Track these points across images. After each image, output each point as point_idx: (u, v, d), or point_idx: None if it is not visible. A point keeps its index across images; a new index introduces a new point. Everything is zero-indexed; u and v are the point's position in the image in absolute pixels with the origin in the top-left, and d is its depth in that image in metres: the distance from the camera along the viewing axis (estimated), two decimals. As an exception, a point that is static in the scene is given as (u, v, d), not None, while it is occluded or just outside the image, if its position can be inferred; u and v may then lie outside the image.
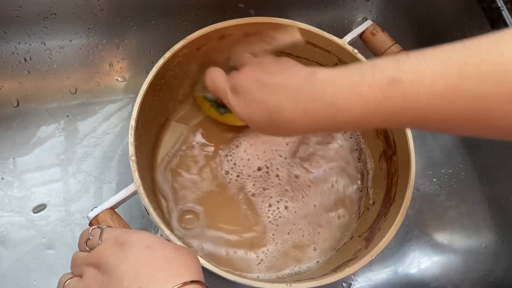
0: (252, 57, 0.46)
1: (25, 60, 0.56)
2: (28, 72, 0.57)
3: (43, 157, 0.56)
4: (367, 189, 0.54)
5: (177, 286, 0.28)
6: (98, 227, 0.34)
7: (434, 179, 0.62)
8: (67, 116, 0.59)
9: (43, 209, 0.54)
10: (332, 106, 0.33)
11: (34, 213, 0.54)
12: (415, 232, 0.59)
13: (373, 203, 0.52)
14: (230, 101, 0.40)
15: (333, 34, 0.51)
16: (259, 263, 0.49)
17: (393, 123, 0.32)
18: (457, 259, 0.58)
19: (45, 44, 0.56)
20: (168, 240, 0.38)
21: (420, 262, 0.58)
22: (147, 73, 0.61)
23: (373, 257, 0.41)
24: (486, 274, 0.56)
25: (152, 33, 0.59)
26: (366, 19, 0.65)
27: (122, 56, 0.60)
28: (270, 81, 0.37)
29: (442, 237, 0.59)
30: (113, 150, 0.58)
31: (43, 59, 0.57)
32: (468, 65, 0.28)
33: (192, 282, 0.29)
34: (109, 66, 0.60)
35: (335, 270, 0.42)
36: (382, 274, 0.57)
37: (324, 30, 0.51)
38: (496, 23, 0.52)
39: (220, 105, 0.51)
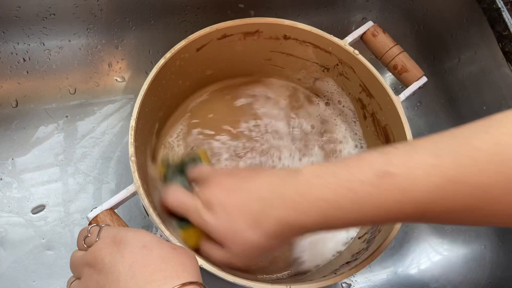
0: (213, 168, 0.44)
1: (24, 60, 0.56)
2: (27, 72, 0.57)
3: (42, 158, 0.56)
4: None
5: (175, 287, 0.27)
6: (97, 225, 0.34)
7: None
8: (66, 116, 0.59)
9: (42, 209, 0.54)
10: (320, 201, 0.31)
11: (33, 213, 0.54)
12: (415, 233, 0.59)
13: None
14: (206, 218, 0.36)
15: (333, 34, 0.51)
16: (259, 264, 0.49)
17: (390, 218, 0.31)
18: (456, 260, 0.58)
19: (44, 44, 0.56)
20: (168, 241, 0.38)
21: (420, 262, 0.58)
22: (147, 73, 0.61)
23: (374, 259, 0.41)
24: (486, 275, 0.56)
25: (151, 34, 0.59)
26: (366, 19, 0.65)
27: (121, 57, 0.60)
28: (249, 185, 0.35)
29: (441, 238, 0.59)
30: (112, 151, 0.58)
31: (42, 59, 0.57)
32: (463, 155, 0.27)
33: (190, 283, 0.28)
34: (108, 66, 0.60)
35: (334, 272, 0.42)
36: (381, 274, 0.57)
37: (323, 31, 0.51)
38: (496, 23, 0.52)
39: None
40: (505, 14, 0.51)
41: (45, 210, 0.54)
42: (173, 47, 0.48)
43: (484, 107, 0.57)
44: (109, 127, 0.59)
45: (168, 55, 0.48)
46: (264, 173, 0.37)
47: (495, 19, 0.52)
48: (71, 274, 0.34)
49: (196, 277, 0.29)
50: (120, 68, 0.60)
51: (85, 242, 0.33)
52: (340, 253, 0.50)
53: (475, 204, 0.27)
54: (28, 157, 0.56)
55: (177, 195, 0.40)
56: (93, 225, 0.34)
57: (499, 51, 0.52)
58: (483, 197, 0.27)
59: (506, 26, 0.51)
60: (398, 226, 0.43)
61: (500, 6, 0.51)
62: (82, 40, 0.57)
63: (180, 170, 0.46)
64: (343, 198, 0.30)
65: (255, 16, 0.61)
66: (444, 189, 0.27)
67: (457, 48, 0.59)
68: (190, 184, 0.45)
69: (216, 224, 0.36)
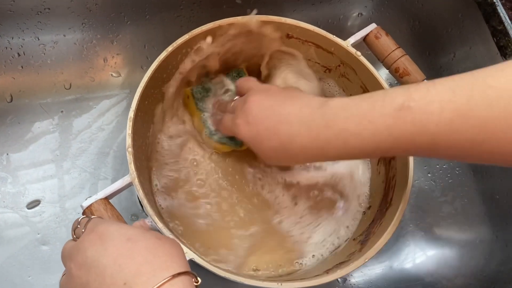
0: (258, 83, 0.46)
1: (19, 55, 0.56)
2: (22, 67, 0.56)
3: (37, 153, 0.56)
4: (364, 193, 0.54)
5: (164, 281, 0.27)
6: (87, 216, 0.33)
7: (429, 174, 0.62)
8: (62, 111, 0.58)
9: (37, 205, 0.54)
10: (344, 131, 0.34)
11: (28, 209, 0.54)
12: (410, 227, 0.59)
13: (370, 206, 0.52)
14: (237, 122, 0.40)
15: (329, 30, 0.51)
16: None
17: (404, 150, 0.32)
18: (451, 254, 0.58)
19: (39, 39, 0.56)
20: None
21: (415, 257, 0.58)
22: (142, 68, 0.61)
23: (366, 260, 0.41)
24: (480, 268, 0.57)
25: (147, 28, 0.59)
26: (362, 14, 0.65)
27: (116, 51, 0.60)
28: (283, 110, 0.38)
29: (437, 232, 0.60)
30: (108, 146, 0.58)
31: (36, 54, 0.56)
32: (475, 91, 0.28)
33: (180, 274, 0.28)
34: (104, 61, 0.60)
35: (327, 271, 0.42)
36: (377, 269, 0.57)
37: (319, 26, 0.51)
38: (490, 18, 0.52)
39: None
40: (500, 9, 0.51)
41: (40, 205, 0.54)
42: (175, 41, 0.48)
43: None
44: (105, 122, 0.59)
45: (170, 48, 0.47)
46: (298, 100, 0.38)
47: (490, 14, 0.52)
48: (67, 269, 0.34)
49: (184, 266, 0.29)
50: (115, 63, 0.60)
51: (74, 233, 0.32)
52: (334, 253, 0.50)
53: (482, 138, 0.29)
54: (23, 152, 0.56)
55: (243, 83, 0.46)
56: (83, 216, 0.33)
57: (494, 46, 0.52)
58: (490, 131, 0.28)
59: (500, 21, 0.51)
60: (392, 229, 0.42)
61: (494, 0, 0.51)
62: (77, 35, 0.57)
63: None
64: (364, 129, 0.33)
65: (251, 12, 0.61)
66: (455, 123, 0.29)
67: (453, 43, 0.59)
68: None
69: (244, 131, 0.40)
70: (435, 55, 0.62)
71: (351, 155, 0.35)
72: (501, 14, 0.51)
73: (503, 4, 0.51)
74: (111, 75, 0.61)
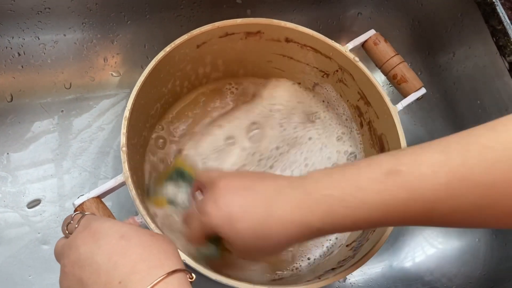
0: (221, 171, 0.43)
1: (19, 54, 0.56)
2: (22, 66, 0.56)
3: (37, 152, 0.56)
4: None
5: (159, 279, 0.26)
6: (80, 212, 0.33)
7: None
8: (62, 111, 0.58)
9: (38, 204, 0.54)
10: (328, 197, 0.31)
11: (29, 208, 0.54)
12: (410, 226, 0.59)
13: None
14: (208, 210, 0.35)
15: (328, 30, 0.52)
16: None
17: (399, 218, 0.30)
18: (451, 253, 0.59)
19: (39, 39, 0.56)
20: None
21: (415, 256, 0.58)
22: (142, 68, 0.60)
23: (358, 267, 0.41)
24: (480, 267, 0.57)
25: (147, 28, 0.59)
26: (361, 14, 0.66)
27: (116, 51, 0.60)
28: (258, 186, 0.35)
29: (436, 231, 0.60)
30: (108, 145, 0.58)
31: (37, 53, 0.56)
32: (470, 152, 0.27)
33: (175, 271, 0.28)
34: (104, 61, 0.60)
35: (318, 277, 0.42)
36: (377, 268, 0.57)
37: (319, 25, 0.51)
38: (490, 18, 0.52)
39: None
40: (499, 8, 0.51)
41: (40, 204, 0.54)
42: (173, 42, 0.48)
43: (479, 101, 0.57)
44: (105, 122, 0.59)
45: (167, 48, 0.47)
46: (271, 176, 0.37)
47: (489, 14, 0.52)
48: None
49: (179, 264, 0.29)
50: (115, 62, 0.60)
51: (67, 228, 0.32)
52: (327, 259, 0.50)
53: (485, 202, 0.27)
54: (23, 152, 0.56)
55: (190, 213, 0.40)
56: (76, 212, 0.33)
57: (493, 46, 0.52)
58: (492, 195, 0.27)
59: (500, 20, 0.51)
60: (386, 234, 0.42)
61: (494, 0, 0.52)
62: (78, 34, 0.57)
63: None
64: (350, 195, 0.30)
65: (251, 11, 0.62)
66: (451, 187, 0.27)
67: (452, 43, 0.59)
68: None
69: (215, 216, 0.35)
70: (435, 55, 0.63)
71: (338, 226, 0.32)
72: (501, 14, 0.51)
73: (502, 4, 0.51)
74: (111, 74, 0.61)
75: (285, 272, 0.50)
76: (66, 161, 0.56)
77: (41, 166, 0.56)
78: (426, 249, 0.59)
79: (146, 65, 0.60)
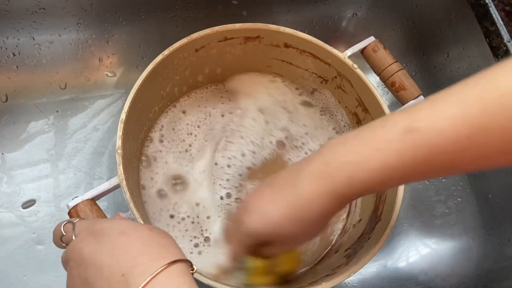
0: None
1: (14, 54, 0.56)
2: (17, 67, 0.56)
3: (32, 153, 0.56)
4: (355, 206, 0.54)
5: (161, 269, 0.27)
6: (69, 221, 0.33)
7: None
8: (57, 111, 0.58)
9: (33, 204, 0.54)
10: (348, 164, 0.31)
11: (24, 208, 0.54)
12: (404, 227, 0.60)
13: (360, 220, 0.52)
14: (244, 218, 0.36)
15: (324, 31, 0.52)
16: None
17: (420, 174, 0.30)
18: (445, 253, 0.59)
19: (34, 39, 0.56)
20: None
21: (409, 256, 0.59)
22: (138, 68, 0.61)
23: (351, 274, 0.41)
24: (474, 267, 0.57)
25: (142, 28, 0.59)
26: (356, 15, 0.66)
27: (112, 51, 0.60)
28: (276, 180, 0.36)
29: (430, 232, 0.60)
30: (104, 146, 0.58)
31: (32, 54, 0.56)
32: (488, 100, 0.26)
33: (175, 261, 0.28)
34: (99, 61, 0.60)
35: (311, 283, 0.42)
36: (371, 267, 0.57)
37: (314, 26, 0.52)
38: (483, 19, 0.52)
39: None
40: (492, 10, 0.51)
41: (35, 204, 0.54)
42: (172, 45, 0.47)
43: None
44: (101, 122, 0.59)
45: (166, 52, 0.47)
46: (290, 166, 0.37)
47: (483, 15, 0.52)
48: (62, 268, 0.34)
49: (179, 255, 0.29)
50: (111, 63, 0.60)
51: (62, 241, 0.32)
52: (321, 265, 0.50)
53: (509, 146, 0.27)
54: (18, 152, 0.56)
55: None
56: (65, 222, 0.33)
57: (487, 47, 0.53)
58: None
59: (493, 22, 0.51)
60: (380, 244, 0.42)
61: (487, 1, 0.52)
62: (73, 35, 0.57)
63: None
64: (371, 158, 0.30)
65: (247, 13, 0.62)
66: (474, 137, 0.27)
67: (446, 43, 0.60)
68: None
69: (251, 220, 0.36)
70: (429, 55, 0.63)
71: (362, 190, 0.32)
72: (494, 15, 0.51)
73: (495, 5, 0.52)
74: (107, 75, 0.61)
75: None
76: (61, 162, 0.56)
77: (36, 166, 0.56)
78: (420, 249, 0.59)
79: (142, 65, 0.61)
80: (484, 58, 0.54)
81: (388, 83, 0.52)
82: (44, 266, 0.51)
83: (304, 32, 0.51)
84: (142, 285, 0.26)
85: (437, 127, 0.27)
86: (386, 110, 0.48)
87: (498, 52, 0.51)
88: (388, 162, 0.29)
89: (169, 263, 0.28)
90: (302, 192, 0.33)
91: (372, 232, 0.46)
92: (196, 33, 0.48)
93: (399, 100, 0.52)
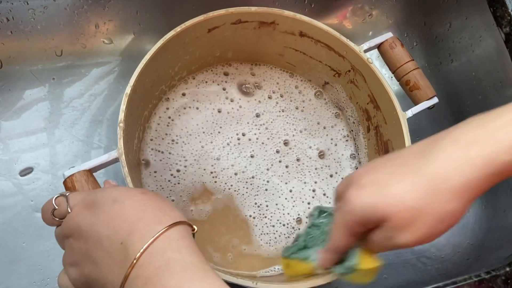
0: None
1: (8, 20, 0.54)
2: (11, 32, 0.55)
3: (29, 121, 0.56)
4: None
5: (159, 234, 0.27)
6: (61, 195, 0.32)
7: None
8: (53, 78, 0.57)
9: (30, 172, 0.54)
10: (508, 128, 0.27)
11: (21, 176, 0.53)
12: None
13: None
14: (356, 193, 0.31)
15: (319, 6, 0.50)
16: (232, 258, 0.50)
17: None
18: (440, 223, 0.59)
19: (27, 3, 0.54)
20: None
21: (405, 226, 0.59)
22: (135, 35, 0.60)
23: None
24: (468, 237, 0.58)
25: (139, -6, 0.58)
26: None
27: (108, 18, 0.58)
28: (397, 154, 0.31)
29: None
30: (101, 114, 0.57)
31: (26, 19, 0.55)
32: None
33: (174, 224, 0.28)
34: (95, 27, 0.58)
35: (306, 276, 0.41)
36: (367, 237, 0.58)
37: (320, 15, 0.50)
38: (493, 2, 0.51)
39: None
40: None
41: (33, 172, 0.54)
42: (184, 23, 0.46)
43: (474, 73, 0.57)
44: (98, 90, 0.58)
45: (178, 29, 0.46)
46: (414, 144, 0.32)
47: (492, -5, 0.51)
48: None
49: (178, 217, 0.29)
50: (107, 29, 0.59)
51: (54, 215, 0.32)
52: None
53: None
54: (15, 120, 0.55)
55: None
56: (56, 196, 0.32)
57: (490, 16, 0.52)
58: None
59: (504, 5, 0.50)
60: None
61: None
62: (68, -1, 0.56)
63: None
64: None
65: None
66: None
67: (449, 13, 0.59)
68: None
69: (362, 195, 0.30)
70: (431, 26, 0.62)
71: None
72: (503, -6, 0.50)
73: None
74: (103, 41, 0.59)
75: (273, 269, 0.50)
76: (58, 130, 0.56)
77: (34, 135, 0.55)
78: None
79: (139, 33, 0.59)
80: (487, 28, 0.53)
81: (403, 81, 0.51)
82: (43, 233, 0.51)
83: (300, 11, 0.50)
84: (140, 252, 0.26)
85: None
86: (398, 108, 0.47)
87: (502, 22, 0.51)
88: None
89: (167, 226, 0.27)
90: (441, 160, 0.28)
91: None
92: (211, 12, 0.47)
93: (412, 99, 0.51)
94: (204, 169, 0.52)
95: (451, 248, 0.57)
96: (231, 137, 0.54)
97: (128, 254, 0.27)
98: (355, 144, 0.57)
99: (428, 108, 0.50)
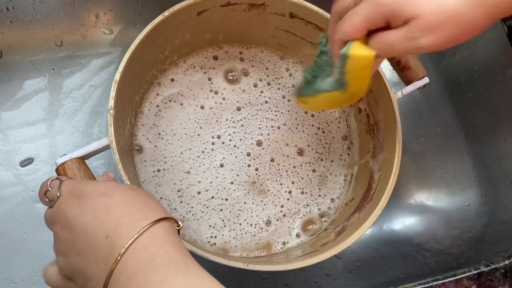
0: None
1: (8, 9, 0.54)
2: (11, 22, 0.55)
3: (29, 111, 0.55)
4: (350, 184, 0.54)
5: (144, 229, 0.27)
6: (57, 178, 0.33)
7: (422, 139, 0.63)
8: (53, 69, 0.57)
9: (31, 163, 0.54)
10: None
11: (22, 166, 0.53)
12: (401, 190, 0.60)
13: (352, 199, 0.52)
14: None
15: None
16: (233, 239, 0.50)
17: None
18: (440, 216, 0.60)
19: (28, -7, 0.54)
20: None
21: (405, 218, 0.59)
22: (135, 25, 0.59)
23: (338, 250, 0.41)
24: (467, 230, 0.58)
25: (140, -16, 0.57)
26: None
27: (109, 8, 0.58)
28: None
29: (427, 195, 0.61)
30: (101, 105, 0.57)
31: (26, 8, 0.55)
32: None
33: (159, 220, 0.28)
34: (96, 17, 0.58)
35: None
36: (367, 230, 0.58)
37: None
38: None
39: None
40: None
41: (33, 163, 0.54)
42: (173, 6, 0.46)
43: (475, 66, 0.57)
44: (98, 81, 0.58)
45: (166, 13, 0.45)
46: None
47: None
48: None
49: (163, 213, 0.29)
50: (107, 20, 0.59)
51: (46, 196, 0.32)
52: (311, 241, 0.51)
53: None
54: (15, 110, 0.55)
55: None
56: (53, 178, 0.33)
57: None
58: None
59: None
60: (368, 224, 0.42)
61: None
62: (68, -11, 0.55)
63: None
64: None
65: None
66: None
67: None
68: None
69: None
70: None
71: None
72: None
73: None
74: (103, 32, 0.59)
75: (267, 251, 0.50)
76: (58, 120, 0.56)
77: (34, 125, 0.55)
78: (416, 212, 0.60)
79: (139, 23, 0.59)
80: None
81: (394, 61, 0.50)
82: (43, 223, 0.50)
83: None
84: (125, 247, 0.26)
85: None
86: (390, 90, 0.47)
87: (505, 15, 0.50)
88: None
89: (152, 222, 0.28)
90: None
91: (362, 210, 0.46)
92: None
93: (402, 79, 0.51)
94: (174, 184, 0.50)
95: (451, 241, 0.57)
96: (207, 142, 0.52)
97: (113, 249, 0.27)
98: (347, 125, 0.57)
99: (419, 88, 0.49)
